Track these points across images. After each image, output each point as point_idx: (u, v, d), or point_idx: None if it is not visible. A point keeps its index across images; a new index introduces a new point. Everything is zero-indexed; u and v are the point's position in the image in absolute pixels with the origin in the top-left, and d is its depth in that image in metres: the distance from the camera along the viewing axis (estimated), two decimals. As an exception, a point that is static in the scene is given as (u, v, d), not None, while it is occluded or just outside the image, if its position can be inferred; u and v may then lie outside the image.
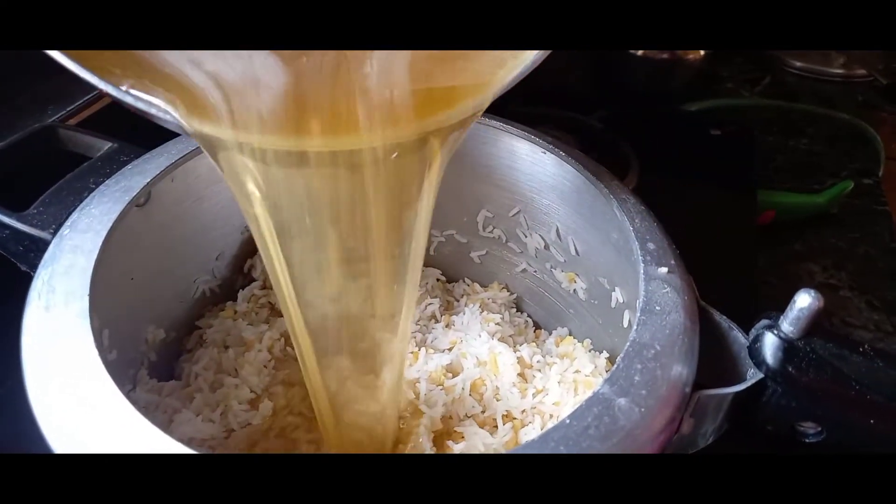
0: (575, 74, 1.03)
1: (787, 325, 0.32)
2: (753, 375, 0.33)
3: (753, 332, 0.34)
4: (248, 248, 0.53)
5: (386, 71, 0.28)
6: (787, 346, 0.32)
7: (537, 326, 0.54)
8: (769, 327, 0.32)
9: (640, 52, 0.96)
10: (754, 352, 0.33)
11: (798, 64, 1.08)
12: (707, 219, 0.75)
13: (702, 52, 0.97)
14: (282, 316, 0.50)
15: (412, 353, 0.46)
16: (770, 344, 0.32)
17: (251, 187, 0.28)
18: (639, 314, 0.34)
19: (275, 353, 0.46)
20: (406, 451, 0.40)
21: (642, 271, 0.36)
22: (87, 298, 0.33)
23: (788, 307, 0.32)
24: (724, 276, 0.67)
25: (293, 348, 0.38)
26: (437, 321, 0.52)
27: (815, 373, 0.32)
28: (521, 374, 0.45)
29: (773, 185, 0.86)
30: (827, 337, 0.32)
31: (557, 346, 0.49)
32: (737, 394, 0.33)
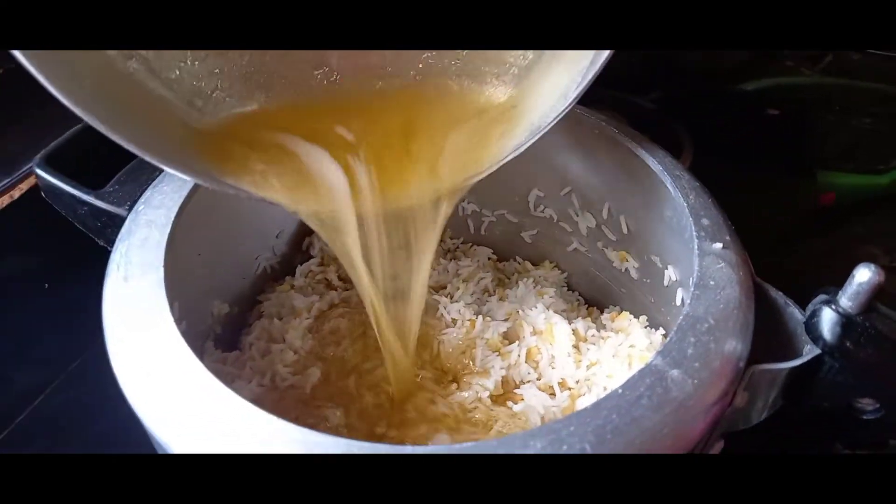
0: (628, 55, 1.02)
1: (846, 299, 0.32)
2: (810, 351, 0.33)
3: (811, 307, 0.33)
4: (307, 227, 0.54)
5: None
6: (846, 321, 0.31)
7: (589, 305, 0.55)
8: (827, 302, 0.32)
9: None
10: (811, 327, 0.33)
11: (863, 40, 1.03)
12: (765, 201, 0.74)
13: (760, 30, 0.94)
14: (334, 289, 0.52)
15: (469, 320, 0.47)
16: (828, 319, 0.32)
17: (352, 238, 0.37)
18: (692, 289, 0.34)
19: (321, 321, 0.48)
20: (467, 409, 0.41)
21: (696, 247, 0.36)
22: (161, 269, 0.35)
23: (847, 282, 0.31)
24: (783, 258, 0.66)
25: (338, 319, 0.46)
26: (490, 294, 0.53)
27: (873, 348, 0.31)
28: (575, 346, 0.46)
29: (835, 165, 0.83)
30: (887, 314, 0.32)
31: (612, 321, 0.49)
32: (792, 369, 0.33)
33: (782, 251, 0.68)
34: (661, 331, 0.46)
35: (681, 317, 0.33)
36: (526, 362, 0.45)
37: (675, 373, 0.30)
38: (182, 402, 0.30)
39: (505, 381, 0.44)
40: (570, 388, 0.43)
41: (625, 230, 0.48)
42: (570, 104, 0.35)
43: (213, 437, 0.29)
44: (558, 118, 0.36)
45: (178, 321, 0.40)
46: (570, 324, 0.47)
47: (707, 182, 0.69)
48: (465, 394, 0.42)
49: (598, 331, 0.47)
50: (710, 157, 0.74)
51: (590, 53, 0.35)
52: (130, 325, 0.33)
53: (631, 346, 0.45)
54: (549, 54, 0.39)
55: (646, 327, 0.47)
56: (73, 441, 0.47)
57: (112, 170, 0.43)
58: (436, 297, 0.50)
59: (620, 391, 0.30)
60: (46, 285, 0.47)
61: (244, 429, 0.29)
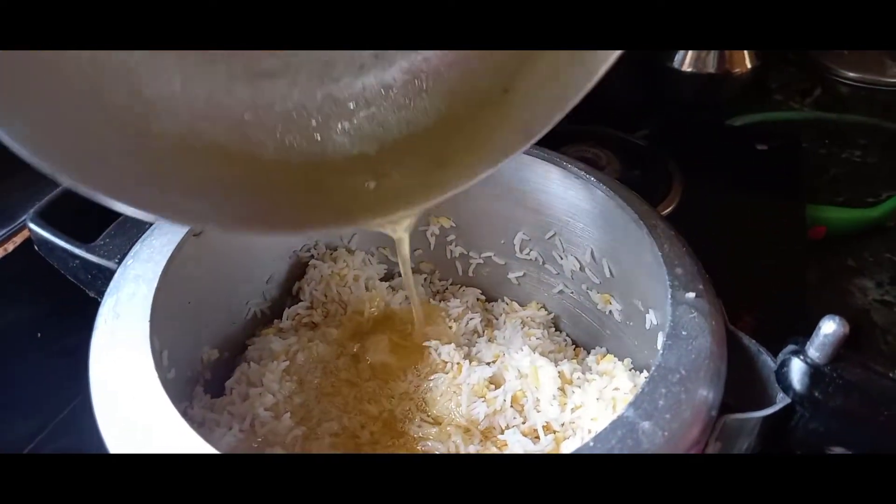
0: (620, 90, 1.04)
1: (814, 350, 0.32)
2: (782, 400, 0.34)
3: (780, 356, 0.34)
4: (297, 272, 0.56)
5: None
6: (814, 372, 0.32)
7: (576, 346, 0.55)
8: (795, 352, 0.33)
9: (687, 68, 0.96)
10: (781, 377, 0.33)
11: (850, 74, 1.05)
12: (755, 235, 0.75)
13: (749, 66, 0.96)
14: (315, 329, 0.53)
15: (456, 364, 0.47)
16: (797, 369, 0.33)
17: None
18: (664, 339, 0.35)
19: (296, 362, 0.49)
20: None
21: (669, 296, 0.37)
22: (147, 323, 0.36)
23: (814, 333, 0.32)
24: (774, 292, 0.66)
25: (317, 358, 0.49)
26: (479, 335, 0.53)
27: (842, 398, 0.32)
28: (560, 389, 0.46)
29: (825, 199, 0.84)
30: (854, 362, 0.32)
31: (598, 363, 0.50)
32: (765, 418, 0.33)
33: (772, 284, 0.68)
34: (646, 373, 0.46)
35: (653, 368, 0.33)
36: (511, 406, 0.45)
37: (645, 424, 0.31)
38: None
39: (490, 428, 0.44)
40: (554, 432, 0.44)
41: (608, 273, 0.49)
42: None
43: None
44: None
45: (167, 369, 0.42)
46: (556, 366, 0.47)
47: (697, 216, 0.70)
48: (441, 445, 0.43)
49: (584, 373, 0.48)
50: (701, 192, 0.75)
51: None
52: (114, 379, 0.34)
53: (615, 388, 0.45)
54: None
55: (630, 370, 0.48)
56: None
57: (104, 223, 0.44)
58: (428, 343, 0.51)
59: (592, 444, 0.30)
60: (39, 334, 0.48)
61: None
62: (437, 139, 0.40)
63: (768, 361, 0.35)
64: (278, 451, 0.43)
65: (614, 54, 0.31)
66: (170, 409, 0.33)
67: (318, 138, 0.39)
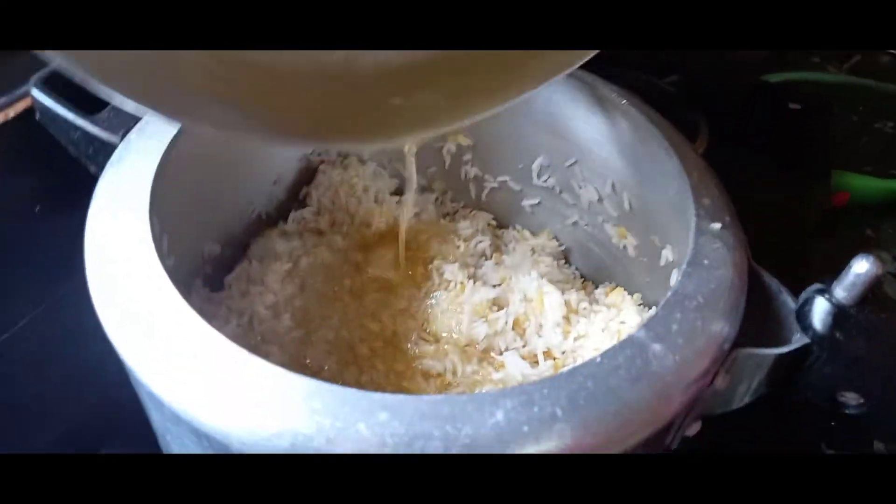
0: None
1: (841, 290, 0.31)
2: (799, 340, 0.32)
3: (804, 295, 0.33)
4: (306, 176, 0.54)
5: None
6: (838, 312, 0.31)
7: (585, 280, 0.54)
8: (820, 291, 0.31)
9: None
10: (802, 315, 0.32)
11: (895, 42, 1.01)
12: (776, 194, 0.73)
13: (791, 22, 0.92)
14: (321, 235, 0.51)
15: (460, 283, 0.46)
16: (820, 308, 0.31)
17: None
18: (685, 266, 0.33)
19: (300, 266, 0.47)
20: (442, 375, 0.41)
21: (694, 224, 0.35)
22: (147, 199, 0.35)
23: (843, 271, 0.31)
24: (787, 254, 0.65)
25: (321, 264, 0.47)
26: (486, 259, 0.52)
27: (864, 342, 0.31)
28: (565, 317, 0.45)
29: (852, 167, 0.82)
30: (882, 306, 0.31)
31: (606, 296, 0.49)
32: (778, 356, 0.32)
33: (788, 247, 0.66)
34: (654, 310, 0.45)
35: (670, 292, 0.32)
36: (513, 330, 0.44)
37: (656, 347, 0.30)
38: (159, 336, 0.29)
39: (488, 348, 0.43)
40: (554, 358, 0.43)
41: (626, 207, 0.47)
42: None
43: (192, 372, 0.28)
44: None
45: (167, 255, 0.40)
46: (563, 294, 0.46)
47: (719, 171, 0.68)
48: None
49: (591, 304, 0.47)
50: (726, 147, 0.72)
51: None
52: (111, 255, 0.33)
53: (622, 322, 0.44)
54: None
55: (639, 305, 0.46)
56: (50, 369, 0.47)
57: (110, 96, 0.42)
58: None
59: (599, 360, 0.29)
60: (37, 208, 0.47)
61: (223, 367, 0.28)
62: (468, 59, 0.38)
63: (788, 301, 0.34)
64: (275, 350, 0.42)
65: None
66: (171, 290, 0.31)
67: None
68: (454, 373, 0.41)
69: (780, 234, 0.67)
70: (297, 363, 0.42)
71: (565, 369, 0.40)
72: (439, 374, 0.42)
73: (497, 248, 0.54)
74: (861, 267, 0.30)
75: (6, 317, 0.47)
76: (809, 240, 0.70)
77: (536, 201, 0.55)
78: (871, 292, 0.31)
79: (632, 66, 0.84)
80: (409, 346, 0.44)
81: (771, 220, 0.67)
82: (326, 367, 0.42)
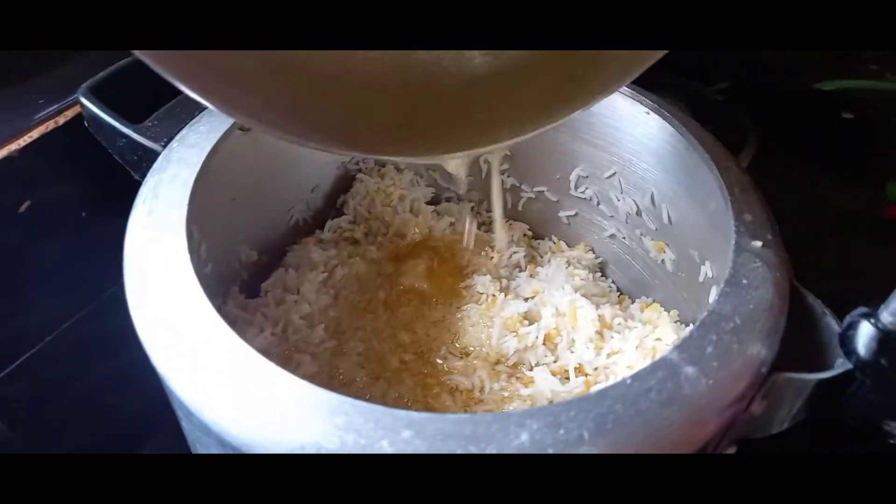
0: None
1: (888, 314, 0.29)
2: (842, 365, 0.31)
3: (848, 318, 0.31)
4: (343, 184, 0.54)
5: None
6: (883, 337, 0.29)
7: (621, 293, 0.53)
8: (866, 315, 0.30)
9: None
10: (846, 339, 0.31)
11: (959, 48, 0.96)
12: (827, 206, 0.70)
13: (846, 28, 0.89)
14: (356, 244, 0.51)
15: (491, 296, 0.46)
16: (864, 333, 0.30)
17: None
18: (723, 285, 0.32)
19: (335, 276, 0.48)
20: (470, 390, 0.41)
21: (734, 242, 0.34)
22: (186, 207, 0.36)
23: (891, 296, 0.29)
24: (838, 269, 0.62)
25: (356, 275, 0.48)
26: (521, 270, 0.52)
27: (911, 370, 0.29)
28: (599, 332, 0.44)
29: (908, 178, 0.78)
30: (932, 333, 0.29)
31: (642, 311, 0.48)
32: (820, 381, 0.31)
33: (837, 261, 0.64)
34: (692, 328, 0.44)
35: (705, 312, 0.31)
36: (544, 345, 0.44)
37: (690, 369, 0.29)
38: (191, 346, 0.30)
39: (518, 363, 0.43)
40: (586, 375, 0.42)
41: (665, 220, 0.46)
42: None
43: (221, 384, 0.28)
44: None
45: (205, 262, 0.41)
46: (597, 309, 0.45)
47: (767, 181, 0.66)
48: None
49: (626, 320, 0.46)
50: (774, 156, 0.70)
51: None
52: (149, 261, 0.34)
53: (657, 339, 0.43)
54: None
55: (676, 322, 0.45)
56: (92, 370, 0.49)
57: (155, 105, 0.43)
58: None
59: (629, 381, 0.28)
60: (84, 213, 0.48)
61: (251, 379, 0.28)
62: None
63: (832, 324, 0.33)
64: (307, 360, 0.42)
65: None
66: (203, 300, 0.32)
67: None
68: (482, 389, 0.41)
69: (831, 248, 0.65)
70: (329, 374, 0.42)
71: (595, 388, 0.40)
72: (467, 390, 0.41)
73: (532, 259, 0.54)
74: (910, 292, 0.28)
75: (51, 318, 0.48)
76: (861, 253, 0.67)
77: (573, 213, 0.54)
78: (920, 319, 0.29)
79: (681, 73, 0.82)
80: (438, 360, 0.44)
81: (821, 232, 0.65)
82: (357, 379, 0.42)
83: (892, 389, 0.30)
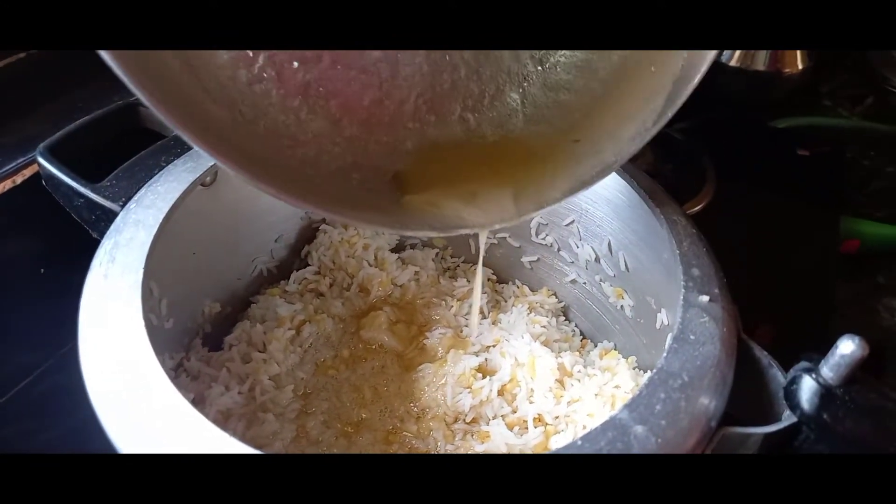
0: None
1: (828, 370, 0.30)
2: (788, 418, 0.32)
3: (791, 372, 0.32)
4: (307, 234, 0.55)
5: None
6: (825, 393, 0.30)
7: (584, 337, 0.54)
8: (808, 370, 0.31)
9: (735, 63, 0.92)
10: (790, 394, 0.32)
11: (906, 85, 1.00)
12: (785, 243, 0.72)
13: (800, 66, 0.92)
14: (321, 297, 0.51)
15: (441, 359, 0.46)
16: (807, 388, 0.31)
17: None
18: (671, 341, 0.33)
19: (302, 334, 0.48)
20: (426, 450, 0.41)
21: (682, 297, 0.35)
22: (141, 271, 0.36)
23: (830, 352, 0.30)
24: (798, 304, 0.64)
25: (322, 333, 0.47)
26: (484, 317, 0.52)
27: (852, 423, 0.30)
28: (559, 381, 0.45)
29: (863, 212, 0.81)
30: (870, 387, 0.30)
31: (601, 358, 0.48)
32: (767, 435, 0.32)
33: (797, 295, 0.65)
34: (650, 374, 0.44)
35: (655, 370, 0.32)
36: (500, 396, 0.44)
37: (639, 429, 0.29)
38: (139, 413, 0.30)
39: (477, 418, 0.43)
40: (546, 424, 0.42)
41: (623, 267, 0.47)
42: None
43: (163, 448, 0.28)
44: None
45: (166, 318, 0.41)
46: (557, 357, 0.46)
47: (727, 218, 0.67)
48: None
49: (585, 367, 0.46)
50: (734, 193, 0.72)
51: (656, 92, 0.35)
52: (102, 328, 0.33)
53: (616, 386, 0.44)
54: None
55: (634, 368, 0.46)
56: (53, 426, 0.48)
57: (113, 164, 0.43)
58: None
59: (580, 443, 0.29)
60: (42, 270, 0.48)
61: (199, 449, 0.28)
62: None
63: (778, 376, 0.34)
64: (271, 419, 0.42)
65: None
66: (157, 368, 0.32)
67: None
68: (437, 450, 0.41)
69: (787, 284, 0.66)
70: (294, 433, 0.42)
71: (561, 439, 0.40)
72: (426, 451, 0.41)
73: (496, 303, 0.54)
74: (847, 348, 0.29)
75: (8, 376, 0.48)
76: (820, 287, 0.69)
77: (535, 258, 0.55)
78: (859, 372, 0.30)
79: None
80: (396, 421, 0.44)
81: (777, 269, 0.67)
82: (321, 439, 0.42)
83: (837, 443, 0.31)
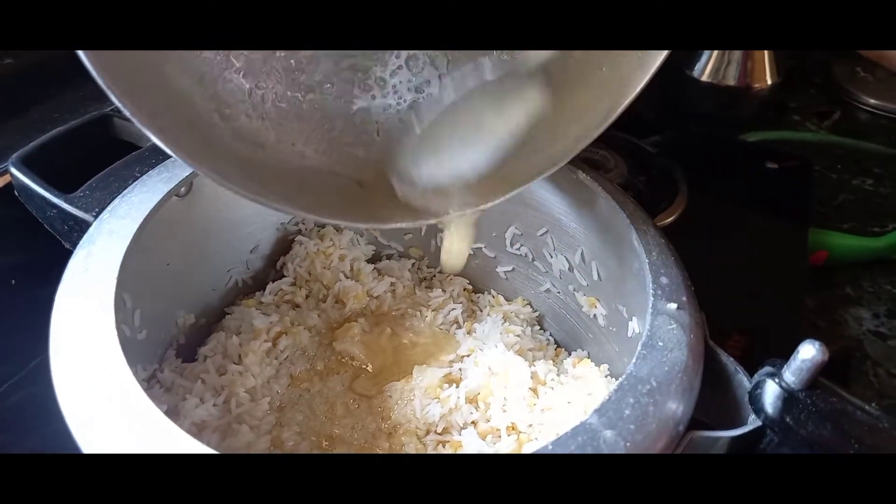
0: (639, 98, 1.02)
1: (790, 374, 0.31)
2: (753, 422, 0.33)
3: (756, 377, 0.33)
4: (283, 245, 0.55)
5: None
6: (787, 397, 0.31)
7: (558, 346, 0.54)
8: (771, 375, 0.32)
9: (706, 79, 0.94)
10: (754, 398, 0.32)
11: (872, 101, 1.03)
12: (755, 253, 0.73)
13: (769, 82, 0.95)
14: (297, 309, 0.52)
15: (405, 377, 0.46)
16: (770, 392, 0.32)
17: None
18: (640, 348, 0.34)
19: (278, 346, 0.48)
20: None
21: (650, 305, 0.36)
22: (114, 282, 0.36)
23: (792, 357, 0.31)
24: (767, 313, 0.65)
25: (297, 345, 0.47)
26: (459, 327, 0.53)
27: (813, 426, 0.31)
28: (532, 390, 0.45)
29: (831, 224, 0.83)
30: (830, 391, 0.31)
31: (574, 366, 0.49)
32: (733, 438, 0.32)
33: (766, 305, 0.67)
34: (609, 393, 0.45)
35: (623, 376, 0.33)
36: (469, 403, 0.44)
37: (608, 433, 0.30)
38: (112, 427, 0.30)
39: (448, 427, 0.43)
40: (519, 433, 0.43)
41: (595, 276, 0.48)
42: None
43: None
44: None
45: (139, 329, 0.41)
46: (531, 365, 0.46)
47: (698, 229, 0.68)
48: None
49: (559, 375, 0.47)
50: (705, 205, 0.74)
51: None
52: (74, 334, 0.33)
53: (588, 394, 0.44)
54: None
55: (606, 376, 0.47)
56: (26, 438, 0.47)
57: (88, 175, 0.43)
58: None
59: (550, 447, 0.29)
60: (13, 281, 0.48)
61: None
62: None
63: (744, 381, 0.35)
64: (245, 430, 0.42)
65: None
66: (129, 379, 0.31)
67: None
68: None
69: (757, 295, 0.68)
70: (269, 444, 0.42)
71: (534, 447, 0.41)
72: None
73: (472, 313, 0.55)
74: (807, 353, 0.30)
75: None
76: (788, 298, 0.70)
77: (510, 268, 0.55)
78: (820, 377, 0.31)
79: (618, 128, 0.85)
80: (368, 437, 0.44)
81: (748, 279, 0.68)
82: (298, 451, 0.42)
83: (799, 445, 0.31)
